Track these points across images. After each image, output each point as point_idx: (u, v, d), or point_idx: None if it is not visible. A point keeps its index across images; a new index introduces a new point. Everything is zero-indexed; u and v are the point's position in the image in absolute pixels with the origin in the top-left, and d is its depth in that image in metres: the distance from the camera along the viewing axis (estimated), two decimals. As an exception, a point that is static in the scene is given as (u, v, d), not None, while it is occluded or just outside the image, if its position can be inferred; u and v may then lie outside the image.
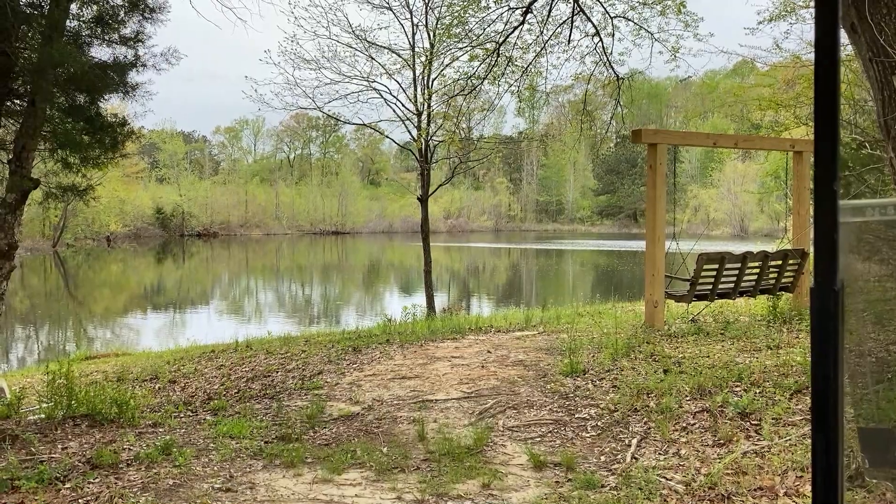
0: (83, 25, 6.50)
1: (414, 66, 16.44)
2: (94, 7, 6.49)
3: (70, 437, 6.03)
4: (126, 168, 55.04)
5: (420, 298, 18.85)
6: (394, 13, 16.41)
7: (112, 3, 6.61)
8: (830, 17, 0.92)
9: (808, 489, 4.38)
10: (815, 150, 0.94)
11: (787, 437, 5.25)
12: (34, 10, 6.28)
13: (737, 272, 10.00)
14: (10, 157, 6.46)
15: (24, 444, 5.71)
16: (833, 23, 0.92)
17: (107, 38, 6.51)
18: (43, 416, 6.59)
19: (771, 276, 10.28)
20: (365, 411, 6.77)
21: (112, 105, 9.34)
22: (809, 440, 5.05)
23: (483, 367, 8.28)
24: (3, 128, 6.67)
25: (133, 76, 6.59)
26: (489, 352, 9.10)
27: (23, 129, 6.40)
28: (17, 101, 6.61)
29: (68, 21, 6.33)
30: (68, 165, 6.86)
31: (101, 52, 6.57)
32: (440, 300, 21.75)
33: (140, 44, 6.55)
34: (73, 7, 6.36)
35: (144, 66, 6.57)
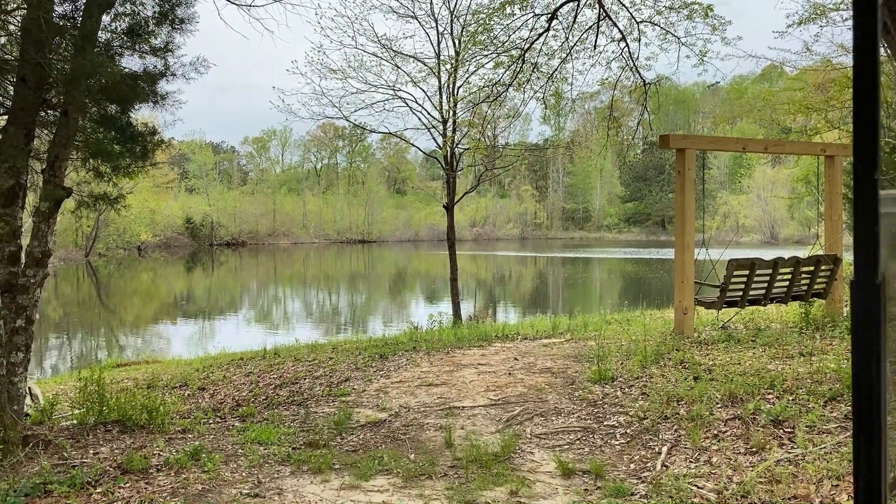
0: (114, 36, 6.61)
1: (439, 74, 16.50)
2: (126, 19, 6.60)
3: (101, 442, 6.10)
4: (156, 178, 55.83)
5: (446, 306, 18.84)
6: (419, 22, 16.50)
7: (143, 15, 6.71)
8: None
9: (843, 498, 4.28)
10: (854, 140, 0.92)
11: (822, 446, 5.14)
12: (67, 23, 6.40)
13: (768, 278, 9.84)
14: (44, 166, 6.58)
15: (56, 450, 5.79)
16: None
17: (137, 48, 6.61)
18: (75, 421, 6.67)
19: (803, 282, 10.10)
20: (392, 418, 6.76)
21: (143, 115, 9.48)
22: (845, 448, 4.95)
23: (510, 374, 8.24)
24: (37, 138, 6.80)
25: (163, 86, 6.68)
26: (516, 359, 9.05)
27: (56, 139, 6.51)
28: (51, 112, 6.73)
29: (100, 32, 6.45)
30: (100, 174, 6.96)
31: (131, 63, 6.67)
32: (466, 308, 21.72)
33: (170, 54, 6.64)
34: (105, 19, 6.48)
35: (174, 75, 6.66)
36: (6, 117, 6.47)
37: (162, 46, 6.60)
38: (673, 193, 10.46)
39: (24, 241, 6.62)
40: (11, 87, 6.62)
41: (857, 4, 0.93)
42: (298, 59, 41.36)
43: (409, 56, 16.74)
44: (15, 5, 6.86)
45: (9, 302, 6.34)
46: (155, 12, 6.59)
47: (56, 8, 6.36)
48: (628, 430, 6.02)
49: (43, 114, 6.68)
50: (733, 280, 9.63)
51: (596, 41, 11.93)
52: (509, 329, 12.03)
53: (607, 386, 7.32)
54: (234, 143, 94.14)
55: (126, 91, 6.28)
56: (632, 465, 5.30)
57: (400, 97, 16.96)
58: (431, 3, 16.32)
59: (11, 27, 6.91)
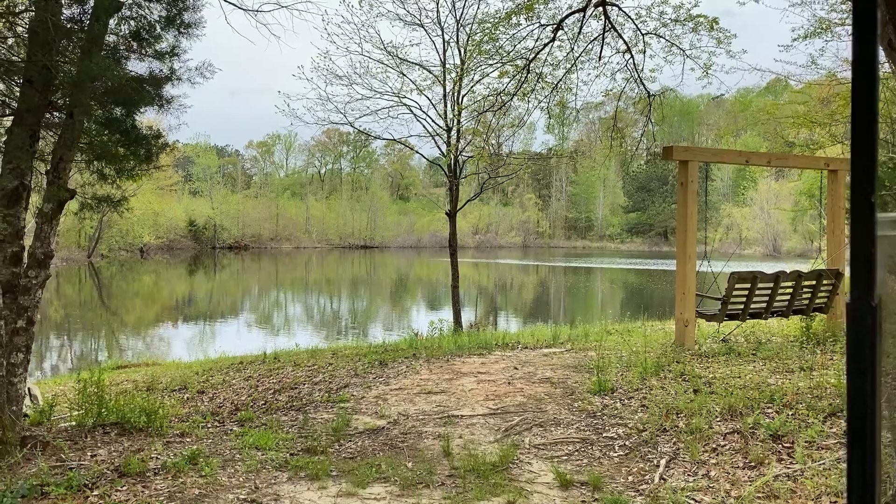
0: (121, 40, 6.64)
1: (444, 82, 16.54)
2: (132, 22, 6.64)
3: (99, 444, 6.09)
4: (160, 181, 55.98)
5: (447, 313, 18.82)
6: (425, 30, 16.56)
7: (149, 19, 6.75)
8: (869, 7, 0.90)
9: (842, 515, 4.26)
10: (853, 160, 0.92)
11: (821, 461, 5.13)
12: (75, 25, 6.44)
13: (769, 292, 9.83)
14: (48, 167, 6.60)
15: (54, 451, 5.79)
16: (871, 8, 0.89)
17: (143, 52, 6.65)
18: (74, 423, 6.67)
19: (804, 296, 10.09)
20: (390, 425, 6.75)
21: (148, 118, 9.52)
22: (844, 464, 4.93)
23: (509, 383, 8.22)
24: (42, 139, 6.82)
25: (168, 90, 6.71)
26: (516, 368, 9.04)
27: (61, 141, 6.54)
28: (57, 114, 6.76)
29: (106, 36, 6.48)
30: (104, 177, 6.99)
31: (137, 66, 6.71)
32: (467, 315, 21.70)
33: (175, 58, 6.68)
34: (112, 22, 6.51)
35: (179, 79, 6.69)
36: (12, 118, 6.50)
37: (168, 51, 6.63)
38: (676, 204, 10.46)
39: (27, 241, 6.64)
40: (18, 89, 6.65)
41: (857, 20, 0.93)
42: (305, 64, 41.46)
43: (415, 64, 16.80)
44: (23, 7, 6.90)
45: (10, 303, 6.35)
46: (161, 17, 6.63)
47: (64, 11, 6.39)
48: (627, 443, 6.01)
49: (48, 115, 6.71)
50: (735, 293, 9.62)
51: (601, 52, 11.95)
52: (510, 338, 12.02)
53: (607, 397, 7.31)
54: (238, 147, 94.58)
55: (131, 94, 6.30)
56: (630, 478, 5.28)
57: (405, 104, 17.03)
58: (438, 12, 16.39)
59: (19, 29, 6.95)
